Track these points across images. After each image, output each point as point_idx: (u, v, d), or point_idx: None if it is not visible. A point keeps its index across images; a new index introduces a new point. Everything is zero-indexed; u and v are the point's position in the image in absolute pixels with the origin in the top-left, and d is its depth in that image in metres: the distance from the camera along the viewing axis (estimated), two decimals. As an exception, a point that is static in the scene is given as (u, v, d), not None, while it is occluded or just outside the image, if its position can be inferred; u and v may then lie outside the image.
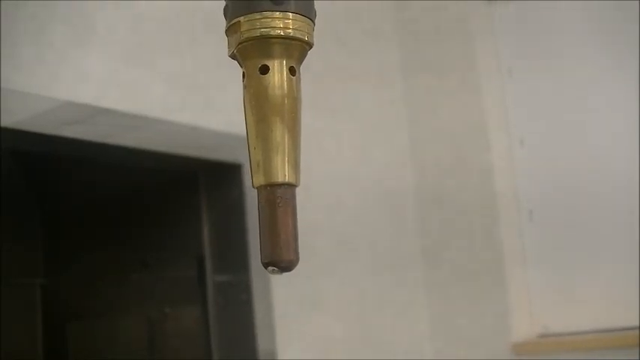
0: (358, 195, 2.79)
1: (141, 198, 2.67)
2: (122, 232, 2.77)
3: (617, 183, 2.81)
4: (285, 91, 0.67)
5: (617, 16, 2.86)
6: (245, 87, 0.68)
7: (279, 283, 2.36)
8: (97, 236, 2.84)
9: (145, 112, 2.09)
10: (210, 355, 2.35)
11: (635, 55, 2.77)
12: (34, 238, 3.03)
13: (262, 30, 0.66)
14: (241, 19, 0.66)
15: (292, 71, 0.67)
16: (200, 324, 2.41)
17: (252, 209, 2.29)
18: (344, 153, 2.79)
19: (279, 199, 0.65)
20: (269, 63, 0.67)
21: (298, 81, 0.68)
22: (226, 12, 0.68)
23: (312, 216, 2.55)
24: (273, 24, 0.66)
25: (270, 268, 0.65)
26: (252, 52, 0.67)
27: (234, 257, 2.34)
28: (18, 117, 1.88)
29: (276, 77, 0.67)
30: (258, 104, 0.66)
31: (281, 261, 0.65)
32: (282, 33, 0.66)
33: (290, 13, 0.66)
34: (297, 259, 0.65)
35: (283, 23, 0.66)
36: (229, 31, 0.68)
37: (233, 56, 0.69)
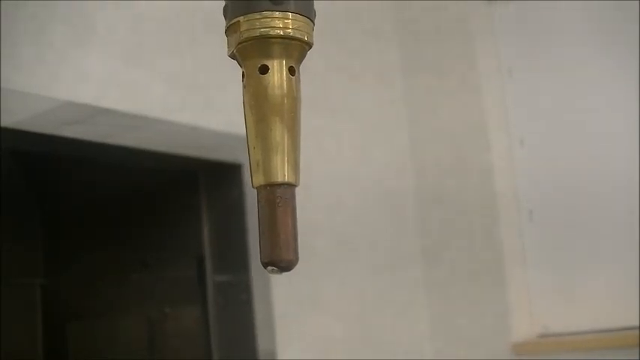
0: (358, 195, 2.79)
1: (141, 198, 2.67)
2: (122, 232, 2.77)
3: (617, 183, 2.81)
4: (285, 91, 0.67)
5: (617, 16, 2.86)
6: (244, 87, 0.68)
7: (279, 283, 2.36)
8: (97, 236, 2.84)
9: (145, 112, 2.09)
10: (210, 355, 2.35)
11: (635, 55, 2.77)
12: (34, 238, 3.03)
13: (262, 30, 0.66)
14: (241, 18, 0.66)
15: (292, 71, 0.67)
16: (200, 324, 2.41)
17: (252, 209, 2.29)
18: (344, 153, 2.79)
19: (278, 198, 0.65)
20: (268, 63, 0.67)
21: (298, 81, 0.68)
22: (226, 12, 0.68)
23: (312, 216, 2.55)
24: (272, 24, 0.66)
25: (269, 267, 0.65)
26: (251, 52, 0.67)
27: (234, 257, 2.34)
28: (18, 117, 1.88)
29: (276, 77, 0.67)
30: (258, 104, 0.66)
31: (280, 261, 0.65)
32: (281, 33, 0.66)
33: (290, 13, 0.66)
34: (297, 259, 0.65)
35: (283, 23, 0.66)
36: (229, 30, 0.68)
37: (232, 56, 0.69)
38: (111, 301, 2.80)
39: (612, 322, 2.74)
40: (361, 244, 2.77)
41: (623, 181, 2.78)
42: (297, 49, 0.68)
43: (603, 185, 2.83)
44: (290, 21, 0.66)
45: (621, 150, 2.82)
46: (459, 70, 3.00)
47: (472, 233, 2.92)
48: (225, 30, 0.68)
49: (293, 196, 0.66)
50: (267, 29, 0.66)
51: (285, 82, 0.67)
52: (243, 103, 0.68)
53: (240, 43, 0.67)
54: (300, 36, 0.67)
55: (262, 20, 0.66)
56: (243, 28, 0.66)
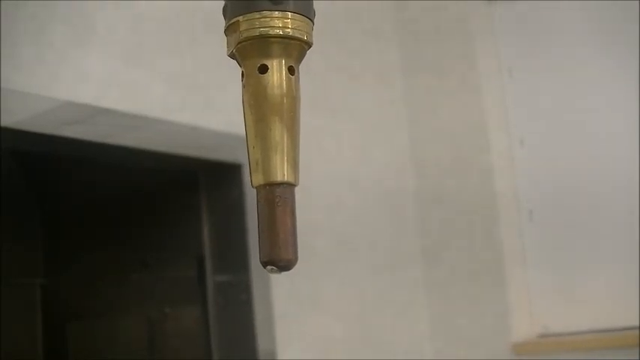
0: (358, 195, 2.79)
1: (141, 198, 2.67)
2: (122, 232, 2.77)
3: (617, 183, 2.81)
4: (284, 91, 0.67)
5: (617, 16, 2.86)
6: (244, 86, 0.68)
7: (279, 283, 2.36)
8: (97, 236, 2.84)
9: (145, 112, 2.09)
10: (210, 355, 2.35)
11: (635, 55, 2.77)
12: (34, 238, 3.03)
13: (261, 29, 0.66)
14: (240, 18, 0.66)
15: (291, 71, 0.68)
16: (200, 324, 2.41)
17: (252, 209, 2.29)
18: (344, 153, 2.79)
19: (278, 198, 0.65)
20: (268, 62, 0.67)
21: (297, 80, 0.68)
22: (225, 11, 0.68)
23: (312, 216, 2.55)
24: (272, 23, 0.66)
25: (268, 267, 0.65)
26: (251, 52, 0.67)
27: (234, 257, 2.34)
28: (18, 117, 1.88)
29: (275, 77, 0.67)
30: (257, 104, 0.66)
31: (280, 260, 0.65)
32: (281, 32, 0.66)
33: (289, 13, 0.66)
34: (296, 259, 0.65)
35: (282, 23, 0.66)
36: (228, 30, 0.68)
37: (232, 56, 0.69)
38: (111, 301, 2.80)
39: (612, 322, 2.74)
40: (361, 244, 2.77)
41: (623, 181, 2.78)
42: (296, 48, 0.68)
43: (603, 185, 2.83)
44: (289, 20, 0.66)
45: (621, 150, 2.82)
46: (459, 70, 3.00)
47: (472, 233, 2.92)
48: (225, 30, 0.68)
49: (292, 196, 0.66)
50: (266, 29, 0.66)
51: (284, 82, 0.67)
52: (243, 102, 0.68)
53: (239, 43, 0.67)
54: (299, 35, 0.67)
55: (262, 20, 0.66)
56: (242, 27, 0.66)
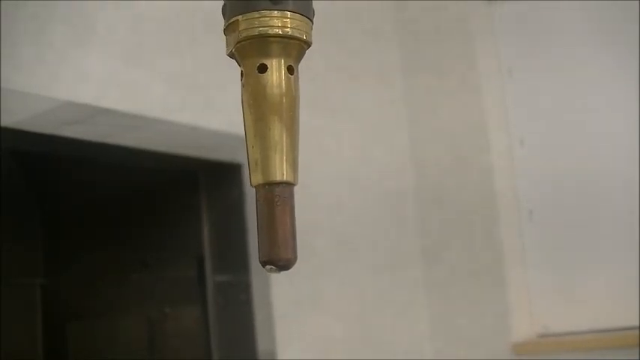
0: (358, 195, 2.79)
1: (141, 198, 2.67)
2: (122, 232, 2.77)
3: (617, 183, 2.81)
4: (284, 90, 0.67)
5: (617, 16, 2.86)
6: (243, 86, 0.68)
7: (279, 283, 2.36)
8: (97, 236, 2.84)
9: (145, 112, 2.09)
10: (210, 355, 2.35)
11: (635, 55, 2.77)
12: (34, 238, 3.03)
13: (260, 29, 0.66)
14: (239, 18, 0.66)
15: (290, 70, 0.68)
16: (200, 324, 2.41)
17: (252, 209, 2.28)
18: (344, 153, 2.79)
19: (277, 197, 0.65)
20: (267, 62, 0.67)
21: (296, 80, 0.68)
22: (225, 11, 0.68)
23: (312, 216, 2.55)
24: (271, 23, 0.66)
25: (268, 266, 0.65)
26: (250, 51, 0.67)
27: (234, 257, 2.34)
28: (18, 117, 1.88)
29: (275, 76, 0.67)
30: (257, 103, 0.66)
31: (279, 259, 0.65)
32: (280, 32, 0.66)
33: (288, 12, 0.66)
34: (295, 258, 0.65)
35: (281, 22, 0.66)
36: (228, 30, 0.68)
37: (231, 55, 0.69)
38: (111, 301, 2.80)
39: (612, 322, 2.74)
40: (361, 244, 2.77)
41: (623, 181, 2.78)
42: (295, 48, 0.68)
43: (603, 185, 2.83)
44: (289, 20, 0.66)
45: (621, 150, 2.82)
46: (459, 70, 3.00)
47: (472, 233, 2.92)
48: (224, 29, 0.68)
49: (291, 195, 0.66)
50: (265, 28, 0.66)
51: (283, 81, 0.67)
52: (242, 102, 0.68)
53: (238, 42, 0.67)
54: (298, 35, 0.67)
55: (261, 19, 0.66)
56: (241, 27, 0.66)
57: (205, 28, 2.26)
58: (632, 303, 2.68)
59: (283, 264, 0.65)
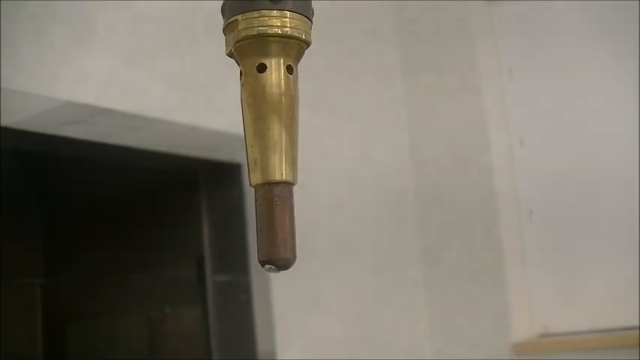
0: (358, 195, 2.79)
1: (141, 198, 2.67)
2: (122, 232, 2.77)
3: (617, 183, 2.81)
4: (283, 90, 0.67)
5: (617, 16, 2.86)
6: (242, 85, 0.68)
7: (279, 283, 2.36)
8: (97, 236, 2.84)
9: (145, 112, 2.09)
10: (210, 355, 2.35)
11: (635, 55, 2.77)
12: (34, 238, 3.03)
13: (260, 28, 0.66)
14: (239, 17, 0.66)
15: (290, 70, 0.68)
16: (200, 324, 2.41)
17: (252, 209, 2.28)
18: (344, 153, 2.79)
19: (276, 197, 0.65)
20: (266, 61, 0.67)
21: (296, 79, 0.68)
22: (224, 10, 0.68)
23: (312, 216, 2.55)
24: (270, 22, 0.66)
25: (267, 266, 0.65)
26: (249, 51, 0.67)
27: (234, 257, 2.34)
28: (18, 117, 1.88)
29: (274, 76, 0.67)
30: (256, 102, 0.66)
31: (278, 259, 0.65)
32: (279, 31, 0.66)
33: (287, 12, 0.66)
34: (295, 258, 0.65)
35: (281, 22, 0.66)
36: (227, 29, 0.68)
37: (230, 55, 0.69)
38: (111, 301, 2.80)
39: (612, 322, 2.74)
40: (361, 244, 2.77)
41: (623, 181, 2.78)
42: (295, 47, 0.68)
43: (603, 185, 2.83)
44: (288, 20, 0.66)
45: (621, 150, 2.81)
46: (459, 70, 3.00)
47: (472, 233, 2.92)
48: (223, 28, 0.68)
49: (291, 195, 0.66)
50: (265, 28, 0.66)
51: (282, 81, 0.67)
52: (241, 101, 0.68)
53: (238, 42, 0.67)
54: (298, 35, 0.67)
55: (260, 19, 0.66)
56: (241, 26, 0.66)
57: (205, 28, 2.26)
58: (632, 303, 2.68)
59: (282, 263, 0.65)
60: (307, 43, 0.68)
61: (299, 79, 0.69)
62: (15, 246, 2.94)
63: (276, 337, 2.34)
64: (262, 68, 0.67)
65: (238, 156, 2.30)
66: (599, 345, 2.70)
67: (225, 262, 2.36)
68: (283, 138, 0.66)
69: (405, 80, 3.06)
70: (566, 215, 2.90)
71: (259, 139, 0.66)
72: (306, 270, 2.47)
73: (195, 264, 2.43)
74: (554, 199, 2.92)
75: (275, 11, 0.66)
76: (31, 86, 1.84)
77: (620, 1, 2.83)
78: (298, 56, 0.69)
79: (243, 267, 2.30)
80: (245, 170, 2.23)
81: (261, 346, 2.29)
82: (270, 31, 0.66)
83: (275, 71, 0.67)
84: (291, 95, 0.67)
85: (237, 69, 0.70)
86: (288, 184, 0.66)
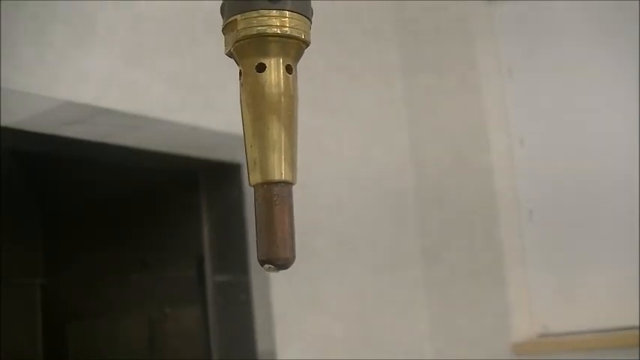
0: (358, 195, 2.79)
1: (141, 198, 2.67)
2: (122, 232, 2.77)
3: (617, 183, 2.81)
4: (282, 89, 0.67)
5: (617, 16, 2.86)
6: (242, 85, 0.68)
7: (279, 283, 2.36)
8: (97, 236, 2.84)
9: (145, 112, 2.09)
10: (210, 355, 2.35)
11: (635, 55, 2.77)
12: (34, 238, 3.03)
13: (259, 28, 0.66)
14: (238, 17, 0.66)
15: (289, 69, 0.68)
16: (200, 324, 2.41)
17: (251, 209, 2.28)
18: (344, 153, 2.79)
19: (275, 196, 0.65)
20: (266, 61, 0.67)
21: (295, 79, 0.68)
22: (223, 10, 0.68)
23: (312, 216, 2.55)
24: (269, 22, 0.66)
25: (266, 265, 0.65)
26: (248, 51, 0.67)
27: (233, 257, 2.34)
28: (18, 117, 1.88)
29: (273, 75, 0.67)
30: (255, 102, 0.67)
31: (277, 259, 0.65)
32: (278, 31, 0.66)
33: (287, 12, 0.66)
34: (294, 257, 0.65)
35: (280, 21, 0.66)
36: (226, 29, 0.68)
37: (230, 54, 0.69)
38: (111, 301, 2.80)
39: (612, 322, 2.74)
40: (361, 244, 2.77)
41: (623, 181, 2.78)
42: (294, 47, 0.68)
43: (603, 185, 2.83)
44: (287, 19, 0.66)
45: (621, 150, 2.82)
46: (459, 70, 3.00)
47: (472, 233, 2.92)
48: (223, 28, 0.68)
49: (290, 194, 0.66)
50: (264, 27, 0.66)
51: (282, 81, 0.67)
52: (241, 101, 0.68)
53: (237, 42, 0.67)
54: (297, 34, 0.67)
55: (259, 19, 0.66)
56: (240, 26, 0.66)
57: (205, 28, 2.26)
58: (632, 303, 2.68)
59: (282, 263, 0.65)
60: (306, 43, 0.68)
61: (298, 79, 0.69)
62: (15, 246, 2.94)
63: (276, 337, 2.34)
64: (261, 68, 0.67)
65: (238, 156, 2.30)
66: (599, 345, 2.70)
67: (225, 262, 2.36)
68: (282, 138, 0.66)
69: (405, 80, 3.06)
70: (566, 215, 2.90)
71: (258, 138, 0.66)
72: (306, 270, 2.47)
73: (195, 264, 2.43)
74: (554, 199, 2.92)
75: (274, 11, 0.66)
76: (31, 86, 1.84)
77: (620, 1, 2.83)
78: (297, 56, 0.69)
79: (243, 267, 2.31)
80: (245, 170, 2.23)
81: (261, 346, 2.29)
82: (269, 31, 0.66)
83: (274, 71, 0.67)
84: (291, 95, 0.67)
85: (236, 69, 0.70)
86: (288, 184, 0.66)
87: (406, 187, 3.01)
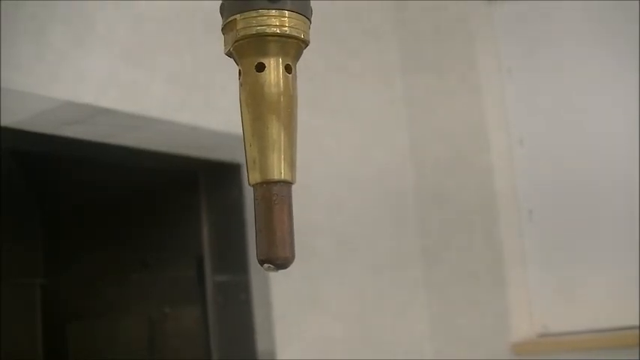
0: (358, 195, 2.79)
1: (141, 198, 2.67)
2: (122, 232, 2.78)
3: (617, 183, 2.81)
4: (281, 89, 0.67)
5: (617, 16, 2.86)
6: (241, 85, 0.68)
7: (279, 283, 2.36)
8: (97, 236, 2.85)
9: (145, 112, 2.09)
10: (209, 355, 2.35)
11: (635, 55, 2.77)
12: (34, 238, 3.04)
13: (258, 28, 0.66)
14: (237, 17, 0.66)
15: (288, 69, 0.68)
16: (200, 324, 2.42)
17: (251, 209, 2.28)
18: (344, 153, 2.79)
19: (275, 196, 0.65)
20: (265, 61, 0.67)
21: (294, 79, 0.68)
22: (222, 10, 0.68)
23: (312, 216, 2.55)
24: (269, 22, 0.66)
25: (265, 265, 0.65)
26: (248, 50, 0.67)
27: (233, 257, 2.34)
28: (18, 117, 1.88)
29: (272, 75, 0.67)
30: (255, 102, 0.67)
31: (277, 258, 0.65)
32: (278, 31, 0.66)
33: (286, 11, 0.66)
34: (293, 257, 0.65)
35: (279, 21, 0.66)
36: (225, 29, 0.68)
37: (229, 54, 0.69)
38: (111, 301, 2.80)
39: (612, 322, 2.74)
40: (361, 244, 2.77)
41: (623, 181, 2.78)
42: (293, 47, 0.68)
43: (603, 185, 2.83)
44: (286, 19, 0.66)
45: (621, 150, 2.81)
46: (459, 70, 3.00)
47: (472, 233, 2.92)
48: (222, 28, 0.69)
49: (289, 194, 0.66)
50: (263, 27, 0.66)
51: (281, 80, 0.67)
52: (240, 100, 0.68)
53: (236, 41, 0.67)
54: (296, 34, 0.67)
55: (259, 18, 0.66)
56: (239, 26, 0.66)
57: (205, 28, 2.26)
58: (632, 303, 2.68)
59: (281, 262, 0.65)
60: (306, 43, 0.68)
61: (298, 79, 0.69)
62: (15, 246, 2.94)
63: (275, 337, 2.34)
64: (261, 68, 0.67)
65: (238, 156, 2.30)
66: (599, 345, 2.70)
67: (224, 262, 2.37)
68: (282, 137, 0.66)
69: (404, 80, 3.06)
70: (566, 215, 2.90)
71: (258, 138, 0.66)
72: (305, 270, 2.47)
73: (195, 264, 2.43)
74: (554, 199, 2.92)
75: (273, 11, 0.66)
76: (30, 86, 1.84)
77: (620, 1, 2.83)
78: (297, 56, 0.69)
79: (242, 267, 2.31)
80: (245, 170, 2.23)
81: (261, 345, 2.29)
82: (268, 31, 0.66)
83: (274, 71, 0.67)
84: (290, 95, 0.67)
85: (236, 69, 0.70)
86: (287, 184, 0.66)
87: (406, 187, 3.01)
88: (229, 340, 2.33)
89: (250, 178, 0.67)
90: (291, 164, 0.67)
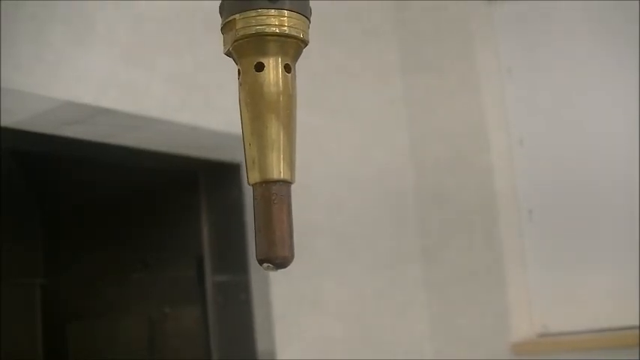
0: (358, 195, 2.79)
1: (141, 198, 2.67)
2: (122, 232, 2.78)
3: (617, 183, 2.81)
4: (281, 89, 0.67)
5: (617, 16, 2.86)
6: (240, 84, 0.68)
7: (279, 283, 2.36)
8: (97, 236, 2.85)
9: (145, 112, 2.09)
10: (209, 355, 2.35)
11: (635, 55, 2.77)
12: (34, 238, 3.04)
13: (258, 27, 0.66)
14: (237, 16, 0.67)
15: (287, 69, 0.68)
16: (200, 324, 2.42)
17: (251, 209, 2.28)
18: (344, 152, 2.79)
19: (274, 195, 0.66)
20: (264, 60, 0.67)
21: (293, 78, 0.68)
22: (222, 10, 0.68)
23: (312, 216, 2.55)
24: (268, 21, 0.66)
25: (265, 264, 0.65)
26: (247, 50, 0.67)
27: (233, 257, 2.34)
28: (18, 117, 1.88)
29: (272, 74, 0.67)
30: (254, 101, 0.67)
31: (276, 257, 0.65)
32: (277, 30, 0.66)
33: (285, 11, 0.66)
34: (292, 256, 0.65)
35: (279, 21, 0.66)
36: (225, 28, 0.68)
37: (229, 54, 0.69)
38: (111, 301, 2.80)
39: (612, 322, 2.74)
40: (361, 244, 2.77)
41: (623, 180, 2.78)
42: (292, 46, 0.68)
43: (603, 185, 2.83)
44: (286, 19, 0.66)
45: (621, 150, 2.82)
46: (459, 70, 3.00)
47: (472, 233, 2.92)
48: (221, 28, 0.69)
49: (289, 193, 0.66)
50: (262, 27, 0.66)
51: (280, 80, 0.67)
52: (239, 100, 0.68)
53: (236, 41, 0.67)
54: (295, 34, 0.67)
55: (258, 18, 0.66)
56: (239, 25, 0.66)
57: (205, 28, 2.26)
58: (632, 303, 2.68)
59: (280, 262, 0.65)
60: (305, 42, 0.69)
61: (298, 79, 0.69)
62: (15, 246, 2.94)
63: (275, 337, 2.34)
64: (260, 67, 0.67)
65: (238, 156, 2.30)
66: (599, 345, 2.70)
67: (224, 262, 2.37)
68: (281, 137, 0.66)
69: (404, 80, 3.07)
70: (566, 215, 2.90)
71: (257, 137, 0.66)
72: (305, 270, 2.47)
73: (195, 264, 2.43)
74: (554, 199, 2.92)
75: (273, 10, 0.66)
76: (30, 86, 1.84)
77: (620, 1, 2.83)
78: (296, 55, 0.69)
79: (242, 267, 2.31)
80: (244, 170, 2.23)
81: (261, 345, 2.29)
82: (267, 30, 0.66)
83: (273, 70, 0.67)
84: (289, 94, 0.67)
85: (236, 69, 0.70)
86: (286, 183, 0.66)
87: (406, 187, 3.01)
88: (229, 340, 2.33)
89: (249, 177, 0.67)
90: (291, 164, 0.67)
